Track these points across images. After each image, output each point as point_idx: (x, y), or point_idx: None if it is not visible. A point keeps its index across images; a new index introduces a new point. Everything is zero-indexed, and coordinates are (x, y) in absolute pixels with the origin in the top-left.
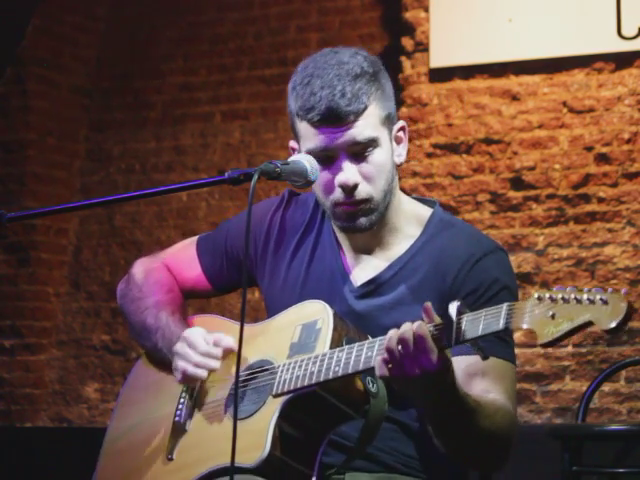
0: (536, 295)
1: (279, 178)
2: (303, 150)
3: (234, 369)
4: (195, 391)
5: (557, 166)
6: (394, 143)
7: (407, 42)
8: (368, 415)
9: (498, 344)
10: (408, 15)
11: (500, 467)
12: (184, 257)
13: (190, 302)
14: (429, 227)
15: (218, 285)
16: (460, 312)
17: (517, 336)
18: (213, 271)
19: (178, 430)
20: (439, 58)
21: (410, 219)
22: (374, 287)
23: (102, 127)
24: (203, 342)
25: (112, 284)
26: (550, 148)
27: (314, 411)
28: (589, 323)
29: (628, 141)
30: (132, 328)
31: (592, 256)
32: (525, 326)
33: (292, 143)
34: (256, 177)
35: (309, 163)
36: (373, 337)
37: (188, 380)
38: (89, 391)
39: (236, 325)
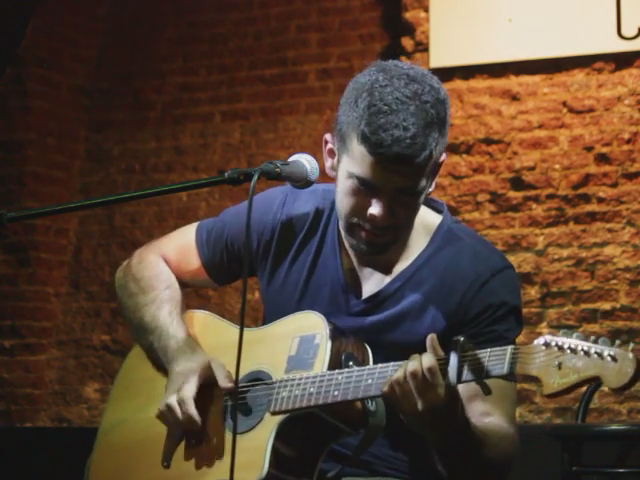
0: (542, 341)
1: (279, 178)
2: (346, 167)
3: (241, 379)
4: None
5: (557, 166)
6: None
7: (407, 42)
8: (366, 431)
9: None
10: (408, 15)
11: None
12: (182, 248)
13: (190, 302)
14: (436, 238)
15: (217, 277)
16: (464, 349)
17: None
18: (213, 264)
19: (174, 436)
20: (439, 58)
21: (418, 229)
22: (377, 302)
23: (102, 127)
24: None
25: (112, 284)
26: (550, 148)
27: (312, 430)
28: (596, 378)
29: (628, 141)
30: (129, 323)
31: (592, 256)
32: (531, 373)
33: (328, 137)
34: (256, 177)
35: (309, 163)
36: (374, 351)
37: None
38: (89, 391)
39: (232, 327)
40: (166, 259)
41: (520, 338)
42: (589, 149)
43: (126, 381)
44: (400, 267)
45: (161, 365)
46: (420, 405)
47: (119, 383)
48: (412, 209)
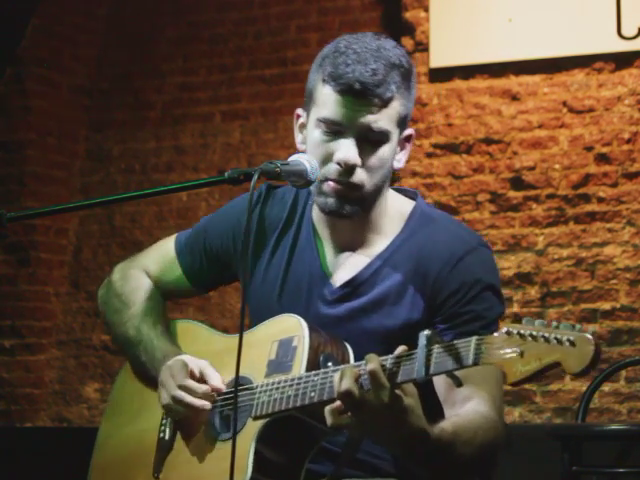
0: (505, 330)
1: (279, 178)
2: (313, 118)
3: (224, 381)
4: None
5: (557, 166)
6: (398, 147)
7: (407, 42)
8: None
9: None
10: (408, 15)
11: (490, 470)
12: (163, 259)
13: (190, 301)
14: (410, 222)
15: (199, 284)
16: (430, 342)
17: None
18: (193, 271)
19: (163, 447)
20: (439, 58)
21: (392, 215)
22: (353, 288)
23: (102, 127)
24: (182, 376)
25: None
26: (550, 148)
27: (295, 432)
28: (557, 364)
29: (628, 141)
30: (115, 339)
31: (592, 256)
32: (495, 362)
33: (299, 111)
34: (256, 177)
35: (309, 163)
36: (355, 342)
37: (168, 412)
38: (89, 391)
39: (215, 335)
40: (147, 272)
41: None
42: (589, 149)
43: (118, 397)
44: (375, 252)
45: (149, 378)
46: (370, 415)
47: (112, 399)
48: (379, 158)
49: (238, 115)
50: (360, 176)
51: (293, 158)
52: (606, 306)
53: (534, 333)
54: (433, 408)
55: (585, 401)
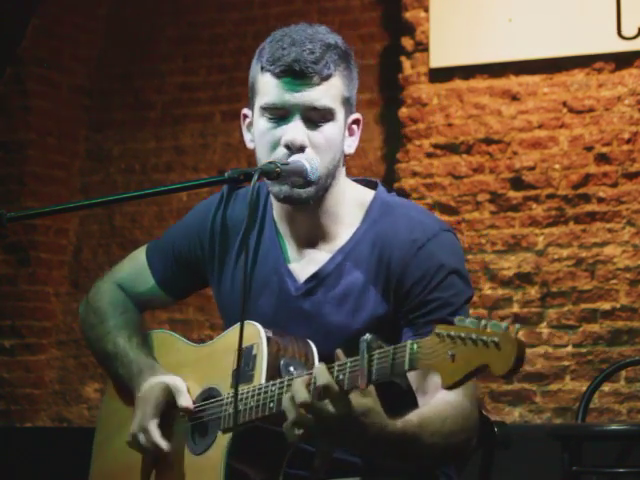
0: (436, 331)
1: (279, 178)
2: (257, 107)
3: (196, 392)
4: (159, 421)
5: (557, 166)
6: (347, 131)
7: (407, 42)
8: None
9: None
10: (408, 15)
11: (466, 457)
12: (135, 271)
13: (190, 301)
14: (370, 212)
15: (173, 293)
16: (370, 348)
17: None
18: (165, 280)
19: (147, 462)
20: (439, 58)
21: (352, 205)
22: (317, 282)
23: (102, 127)
24: (153, 420)
25: None
26: (550, 148)
27: (264, 441)
28: (485, 366)
29: (628, 141)
30: (96, 355)
31: (592, 256)
32: (430, 367)
33: (245, 111)
34: (256, 177)
35: (309, 163)
36: (323, 336)
37: (132, 441)
38: (89, 391)
39: (189, 345)
40: (121, 285)
41: (520, 337)
42: (589, 149)
43: (105, 409)
44: (338, 244)
45: (128, 391)
46: (326, 424)
47: (101, 411)
48: (326, 136)
49: (238, 115)
50: (310, 156)
51: (293, 158)
52: (606, 306)
53: (462, 335)
54: (400, 397)
55: (585, 401)
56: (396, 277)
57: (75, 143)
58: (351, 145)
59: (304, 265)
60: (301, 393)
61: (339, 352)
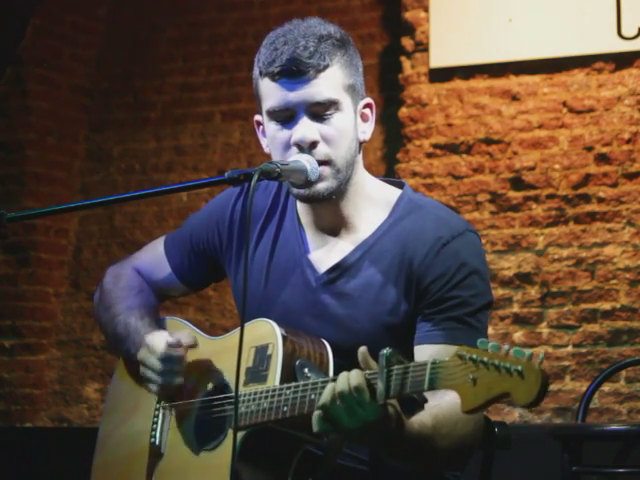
0: (458, 353)
1: (279, 178)
2: (264, 113)
3: (208, 386)
4: (167, 410)
5: (557, 166)
6: (359, 118)
7: (407, 42)
8: (329, 438)
9: (464, 331)
10: (408, 15)
11: (464, 464)
12: (153, 259)
13: (190, 301)
14: (397, 209)
15: (190, 282)
16: (389, 362)
17: (517, 336)
18: (182, 269)
19: (154, 453)
20: (439, 58)
21: (378, 202)
22: (339, 273)
23: (102, 127)
24: (162, 347)
25: None
26: (550, 148)
27: (275, 442)
28: (506, 394)
29: (628, 141)
30: (107, 339)
31: (592, 256)
32: (451, 388)
33: (257, 117)
34: (256, 177)
35: (309, 163)
36: (343, 328)
37: (157, 390)
38: (89, 391)
39: (202, 336)
40: (139, 271)
41: (520, 338)
42: (589, 149)
43: (113, 394)
44: (362, 237)
45: (139, 372)
46: (351, 424)
47: (108, 397)
48: (336, 127)
49: (238, 115)
50: (323, 150)
51: (293, 158)
52: (606, 306)
53: (485, 359)
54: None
55: (585, 401)
56: (418, 272)
57: (75, 143)
58: (365, 131)
59: (325, 254)
60: (343, 384)
61: (364, 351)
